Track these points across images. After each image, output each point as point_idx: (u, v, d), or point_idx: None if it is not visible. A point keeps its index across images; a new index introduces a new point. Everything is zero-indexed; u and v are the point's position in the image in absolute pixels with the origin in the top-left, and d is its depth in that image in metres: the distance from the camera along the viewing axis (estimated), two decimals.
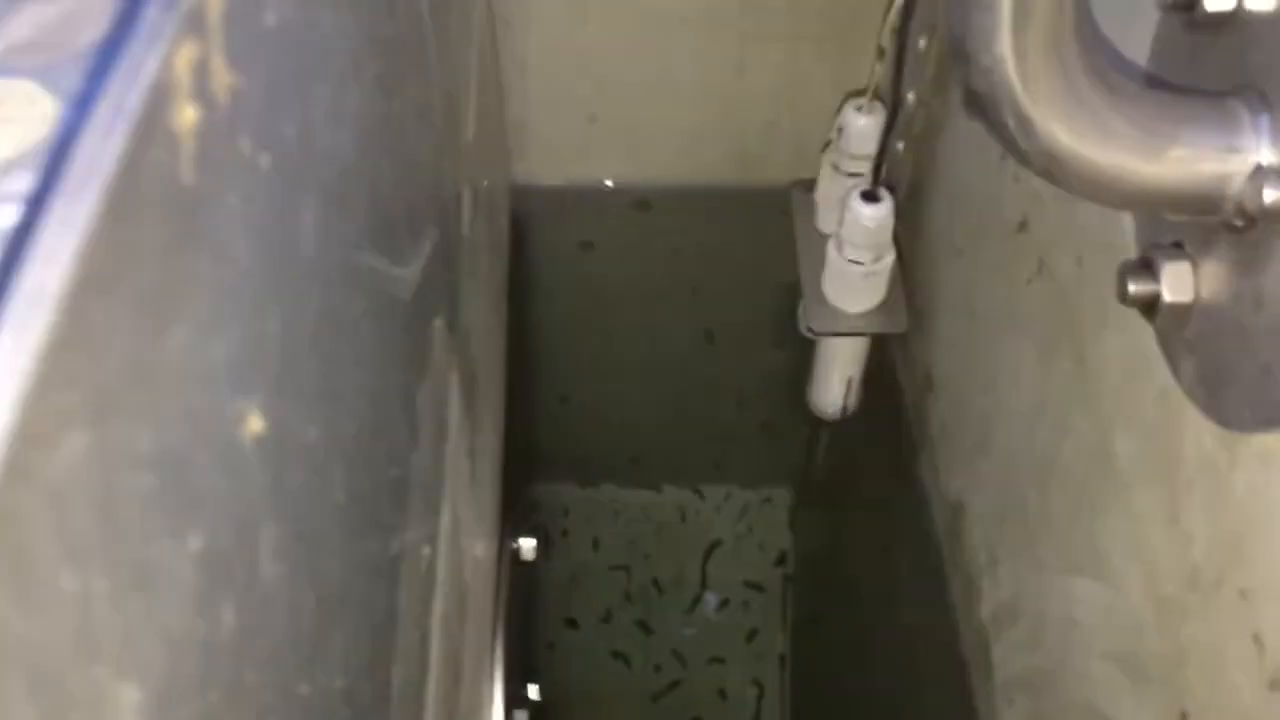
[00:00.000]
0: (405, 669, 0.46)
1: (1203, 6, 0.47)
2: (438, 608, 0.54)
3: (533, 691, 0.92)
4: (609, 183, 1.19)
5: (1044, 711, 0.77)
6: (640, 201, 1.20)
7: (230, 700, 0.26)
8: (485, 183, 0.87)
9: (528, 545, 0.89)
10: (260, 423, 0.28)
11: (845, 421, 1.06)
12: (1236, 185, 0.44)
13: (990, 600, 0.86)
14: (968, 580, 0.90)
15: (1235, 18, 0.47)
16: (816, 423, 1.08)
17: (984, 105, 0.44)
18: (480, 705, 0.76)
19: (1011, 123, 0.44)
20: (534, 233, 1.23)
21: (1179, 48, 0.51)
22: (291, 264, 0.31)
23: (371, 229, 0.41)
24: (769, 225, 1.11)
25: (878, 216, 0.87)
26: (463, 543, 0.64)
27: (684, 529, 1.50)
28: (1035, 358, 0.77)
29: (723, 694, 1.48)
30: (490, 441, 0.83)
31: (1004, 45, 0.43)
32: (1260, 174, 0.42)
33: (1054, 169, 0.45)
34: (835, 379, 1.02)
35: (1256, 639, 0.49)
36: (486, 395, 0.81)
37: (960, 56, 0.44)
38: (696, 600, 1.49)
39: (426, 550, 0.51)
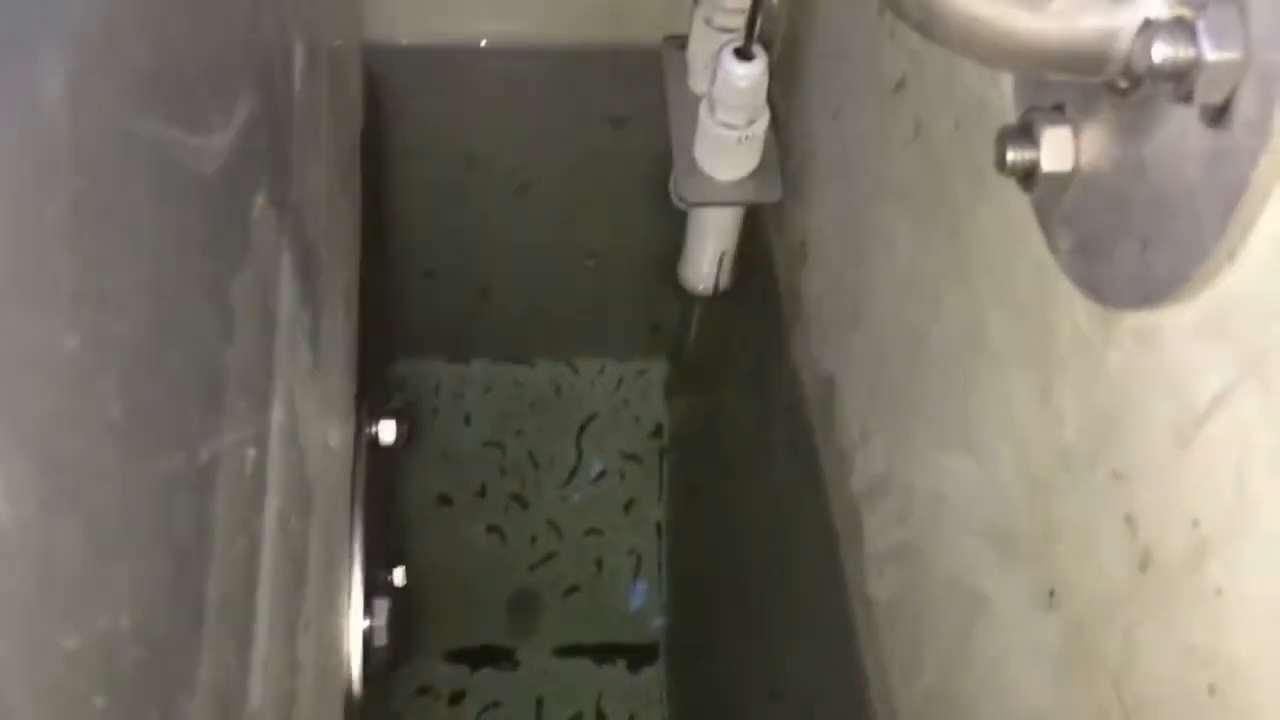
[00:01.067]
0: (225, 583, 0.42)
1: None
2: (271, 509, 0.50)
3: (398, 576, 0.89)
4: (476, 42, 1.12)
5: (914, 583, 0.76)
6: (508, 61, 1.13)
7: None
8: (328, 37, 0.79)
9: (387, 429, 0.85)
10: None
11: (718, 296, 1.03)
12: (1123, 41, 0.40)
13: (863, 474, 0.85)
14: (839, 453, 0.89)
15: None
16: (689, 298, 1.05)
17: None
18: (335, 599, 0.72)
19: None
20: (393, 94, 1.15)
21: None
22: (28, 134, 0.26)
23: (154, 90, 0.35)
24: (642, 86, 1.06)
25: (751, 75, 0.82)
26: (303, 436, 0.59)
27: (559, 403, 1.47)
28: (910, 228, 0.74)
29: (600, 563, 1.47)
30: (339, 323, 0.78)
31: None
32: (1149, 29, 0.38)
33: (929, 21, 0.41)
34: (707, 252, 0.98)
35: (1128, 519, 0.48)
36: (333, 273, 0.76)
37: None
38: (573, 473, 1.47)
39: (252, 452, 0.46)
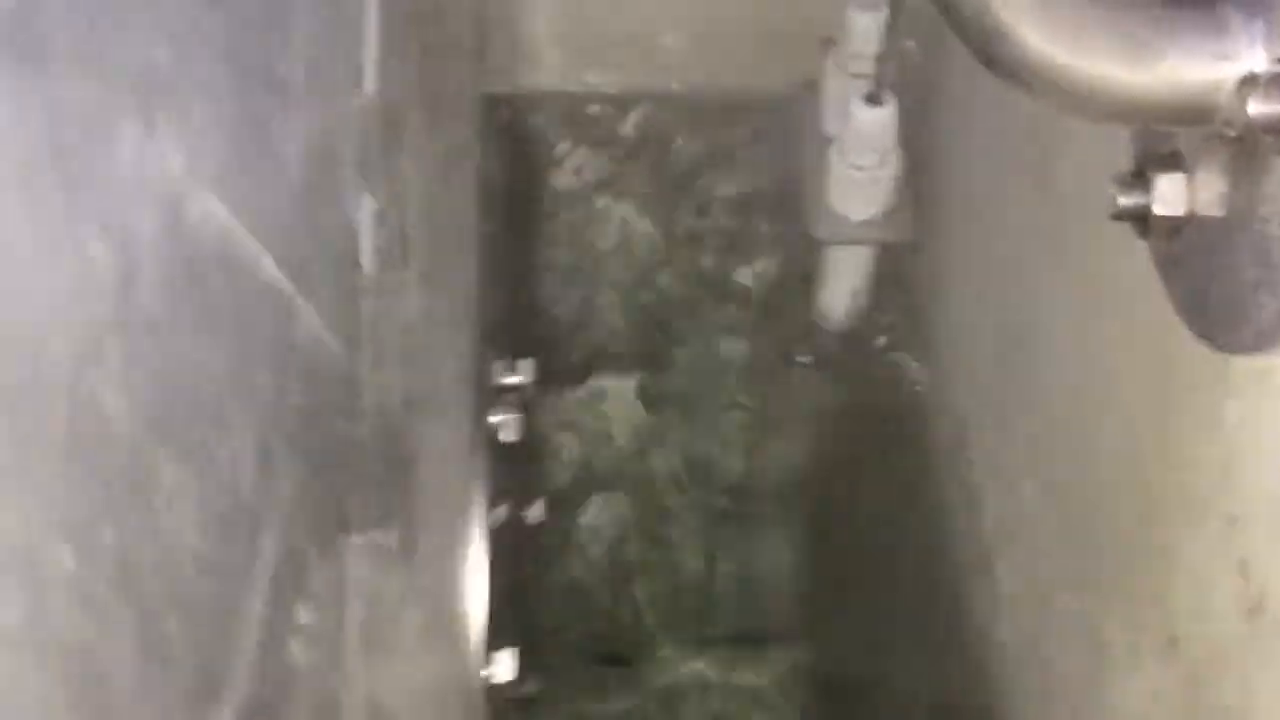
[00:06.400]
0: None
1: None
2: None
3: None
4: (623, 90, 1.16)
5: (1043, 628, 0.76)
6: (652, 108, 1.17)
7: None
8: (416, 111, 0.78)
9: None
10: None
11: (852, 331, 1.04)
12: (1225, 95, 0.41)
13: (995, 515, 0.85)
14: (969, 492, 0.89)
15: None
16: (824, 332, 1.06)
17: (951, 9, 0.41)
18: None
19: (981, 28, 0.41)
20: (541, 141, 1.20)
21: None
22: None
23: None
24: (777, 127, 1.08)
25: (880, 120, 0.84)
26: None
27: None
28: (1042, 271, 0.74)
29: (732, 579, 1.47)
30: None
31: None
32: (1248, 83, 0.39)
33: (1029, 80, 0.42)
34: (841, 289, 1.00)
35: (1242, 566, 0.47)
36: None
37: None
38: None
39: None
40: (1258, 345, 0.44)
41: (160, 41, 0.30)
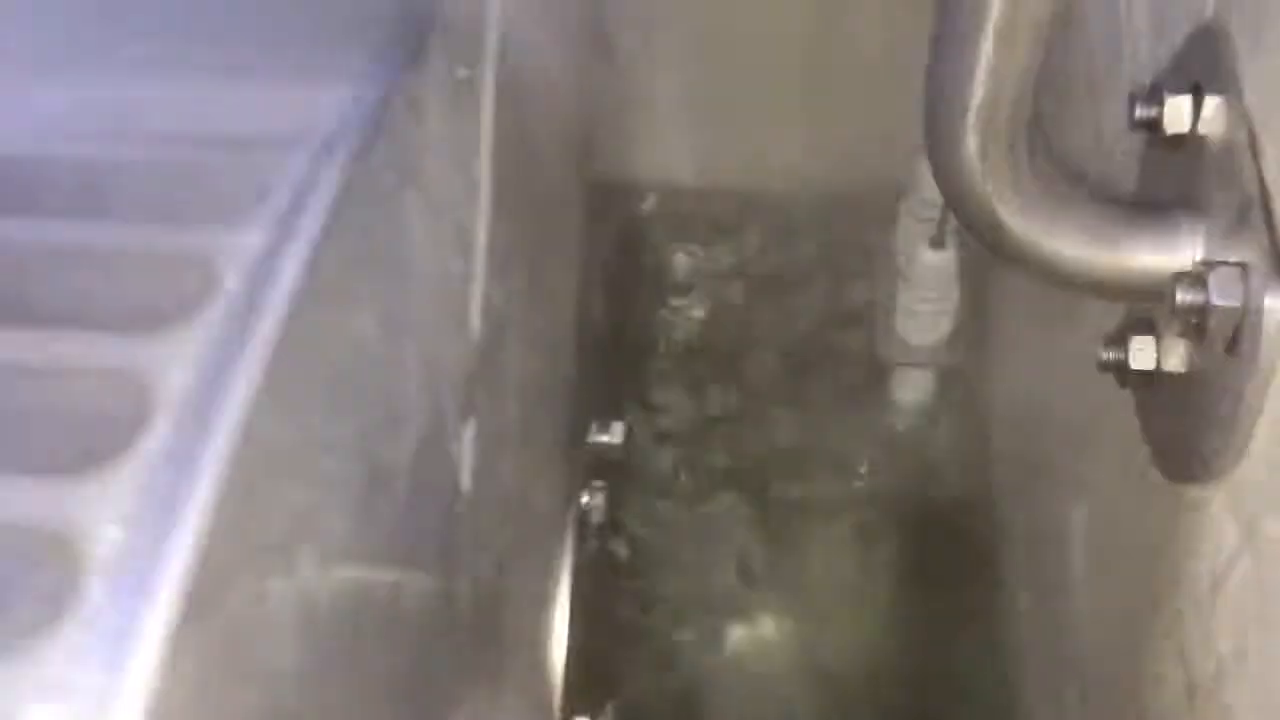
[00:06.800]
0: None
1: (1163, 127, 0.56)
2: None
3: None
4: (715, 186, 1.29)
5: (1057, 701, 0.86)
6: (757, 205, 1.30)
7: None
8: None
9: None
10: None
11: (917, 442, 1.15)
12: (1166, 283, 0.53)
13: (1026, 618, 0.96)
14: (1009, 596, 1.00)
15: (1191, 139, 0.56)
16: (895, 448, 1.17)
17: (960, 210, 0.55)
18: None
19: (984, 224, 0.55)
20: (652, 235, 1.34)
21: (1153, 160, 0.61)
22: None
23: None
24: (859, 237, 1.20)
25: (941, 263, 0.97)
26: None
27: None
28: (1064, 400, 0.86)
29: None
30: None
31: (977, 178, 0.54)
32: (1178, 278, 0.51)
33: (1018, 262, 0.55)
34: (905, 403, 1.12)
35: (1180, 653, 0.58)
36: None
37: (951, 191, 0.55)
38: None
39: None
40: (1194, 478, 0.56)
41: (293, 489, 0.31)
